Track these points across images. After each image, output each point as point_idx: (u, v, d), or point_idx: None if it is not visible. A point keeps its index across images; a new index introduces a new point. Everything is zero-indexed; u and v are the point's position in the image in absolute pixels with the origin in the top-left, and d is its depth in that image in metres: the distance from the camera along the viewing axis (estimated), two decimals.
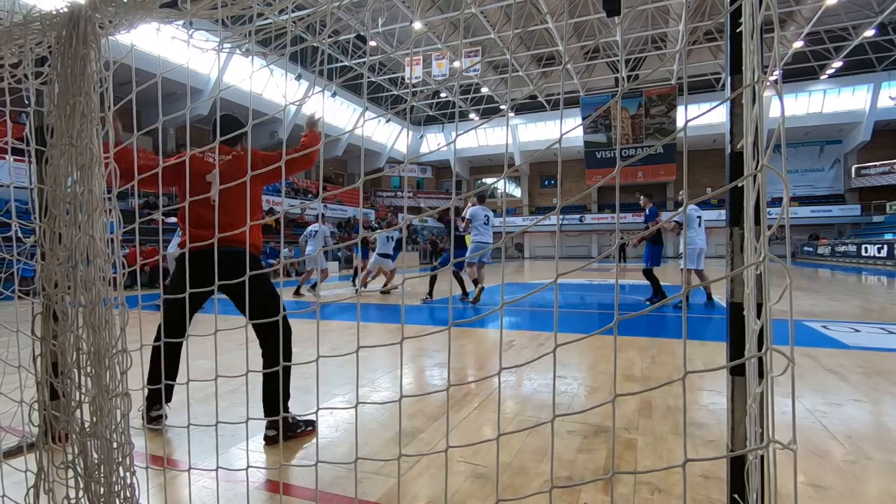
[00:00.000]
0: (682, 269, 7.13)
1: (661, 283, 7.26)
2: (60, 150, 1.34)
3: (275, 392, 2.19)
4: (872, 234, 22.79)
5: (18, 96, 1.62)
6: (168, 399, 2.35)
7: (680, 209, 0.92)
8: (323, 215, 10.13)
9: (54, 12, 1.38)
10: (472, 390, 2.94)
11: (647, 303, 7.25)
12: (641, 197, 7.64)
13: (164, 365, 2.20)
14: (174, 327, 2.21)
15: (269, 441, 2.19)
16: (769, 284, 0.89)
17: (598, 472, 1.88)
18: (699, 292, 7.40)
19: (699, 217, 6.89)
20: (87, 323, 1.30)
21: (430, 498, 1.71)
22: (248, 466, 1.33)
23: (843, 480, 1.81)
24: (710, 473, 1.83)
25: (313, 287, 9.53)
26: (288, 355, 2.19)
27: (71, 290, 1.33)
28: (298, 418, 2.33)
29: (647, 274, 7.33)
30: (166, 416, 2.34)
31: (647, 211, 7.49)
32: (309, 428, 2.32)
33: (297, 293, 9.16)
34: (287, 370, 2.31)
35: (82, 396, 1.32)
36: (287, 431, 2.24)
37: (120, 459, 1.31)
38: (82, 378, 1.32)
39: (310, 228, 9.48)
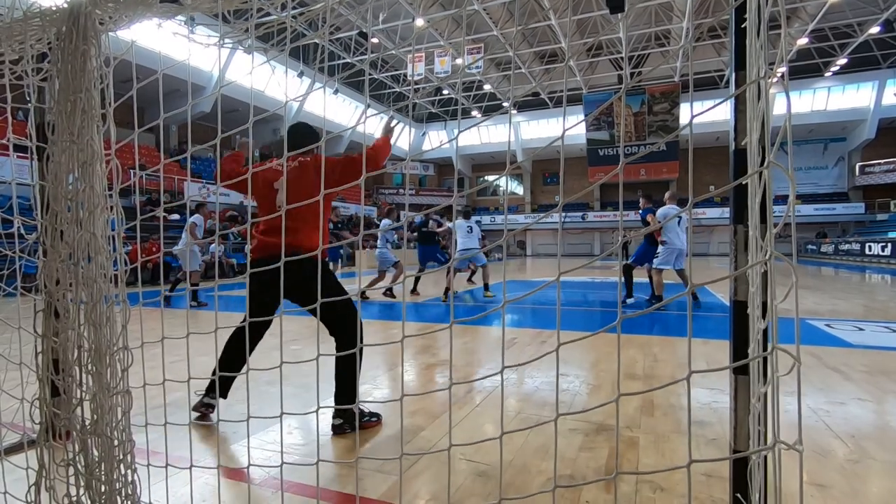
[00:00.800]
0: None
1: (665, 281, 7.24)
2: (61, 146, 1.33)
3: (345, 382, 2.22)
4: (876, 233, 22.70)
5: (20, 93, 1.62)
6: (223, 395, 2.36)
7: (676, 209, 0.91)
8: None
9: (54, 8, 1.38)
10: (474, 388, 2.94)
11: (648, 302, 7.18)
12: (641, 198, 7.62)
13: (232, 360, 2.34)
14: (251, 329, 2.25)
15: (336, 430, 2.23)
16: (774, 283, 0.88)
17: (600, 471, 1.88)
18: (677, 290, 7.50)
19: (679, 218, 6.86)
20: (89, 320, 1.30)
21: (431, 495, 1.70)
22: (250, 464, 1.33)
23: (846, 480, 1.80)
24: (713, 472, 1.82)
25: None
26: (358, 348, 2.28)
27: (72, 287, 1.33)
28: (365, 409, 2.37)
29: (627, 270, 7.34)
30: (213, 409, 2.37)
31: (640, 211, 7.49)
32: (374, 419, 2.35)
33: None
34: (357, 362, 2.29)
35: (83, 394, 1.32)
36: (355, 421, 2.22)
37: (121, 457, 1.31)
38: (83, 375, 1.32)
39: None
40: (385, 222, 8.91)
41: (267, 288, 2.28)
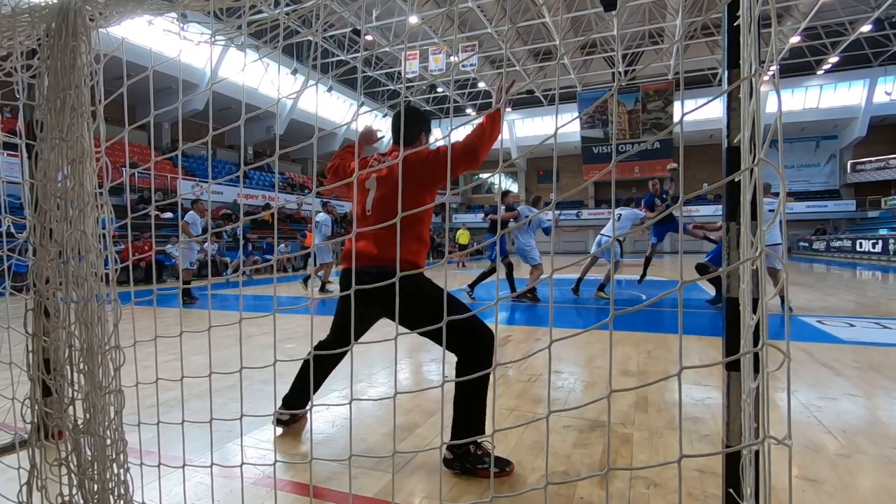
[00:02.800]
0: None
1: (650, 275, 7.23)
2: (50, 144, 1.32)
3: (469, 409, 1.79)
4: (867, 230, 22.91)
5: (9, 90, 1.60)
6: (301, 407, 2.16)
7: (671, 207, 0.91)
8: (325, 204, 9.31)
9: (43, 4, 1.36)
10: None
11: (711, 304, 6.35)
12: (650, 182, 7.30)
13: (315, 376, 2.11)
14: (337, 343, 2.10)
15: (448, 465, 1.82)
16: (765, 280, 0.88)
17: (594, 467, 1.89)
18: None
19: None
20: (80, 319, 1.29)
21: (425, 493, 1.71)
22: (243, 463, 1.32)
23: (837, 474, 1.82)
24: (706, 468, 1.84)
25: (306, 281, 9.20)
26: (486, 366, 1.78)
27: (63, 286, 1.32)
28: (488, 450, 1.84)
29: (703, 271, 6.17)
30: (288, 424, 2.21)
31: (644, 197, 7.24)
32: (507, 468, 1.83)
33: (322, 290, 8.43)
34: (483, 386, 1.83)
35: (75, 393, 1.31)
36: (467, 462, 1.82)
37: (114, 456, 1.30)
38: (75, 375, 1.31)
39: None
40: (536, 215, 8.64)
41: (359, 305, 1.83)
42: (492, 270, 7.37)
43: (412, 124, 2.04)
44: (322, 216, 8.52)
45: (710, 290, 7.19)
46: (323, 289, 8.40)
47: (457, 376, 1.77)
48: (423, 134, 2.09)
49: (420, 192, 1.86)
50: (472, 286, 7.11)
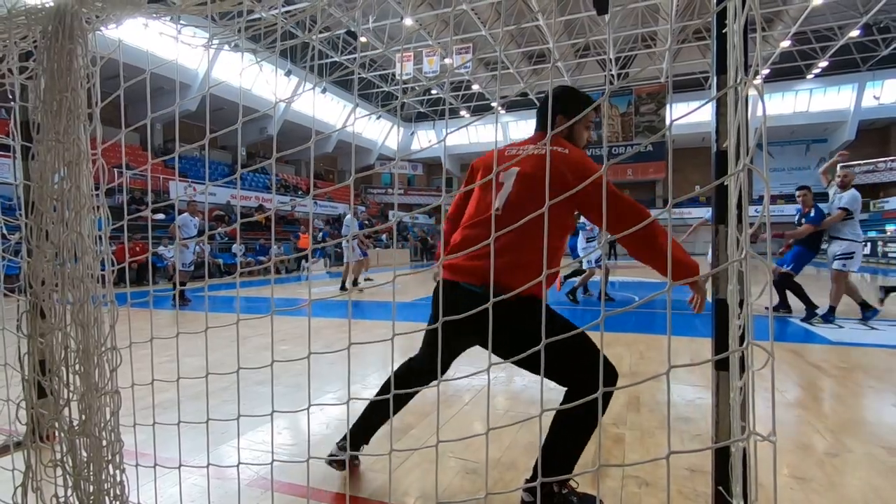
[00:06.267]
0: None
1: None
2: (47, 146, 1.33)
3: (565, 443, 1.50)
4: None
5: (2, 91, 1.60)
6: (359, 445, 1.80)
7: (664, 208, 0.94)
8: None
9: (40, 6, 1.37)
10: (464, 387, 2.96)
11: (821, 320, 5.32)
12: (801, 193, 5.91)
13: (380, 412, 1.75)
14: (421, 373, 1.72)
15: None
16: (751, 281, 0.91)
17: (586, 467, 1.91)
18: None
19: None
20: (76, 320, 1.30)
21: (420, 493, 1.72)
22: (240, 463, 1.33)
23: (824, 473, 1.85)
24: (696, 467, 1.86)
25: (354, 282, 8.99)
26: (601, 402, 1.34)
27: (58, 288, 1.32)
28: (574, 487, 1.62)
29: (788, 281, 5.63)
30: (343, 465, 1.79)
31: (812, 212, 5.68)
32: None
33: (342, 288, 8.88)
34: (591, 427, 1.52)
35: (70, 394, 1.32)
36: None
37: (109, 457, 1.30)
38: (71, 376, 1.32)
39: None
40: None
41: (454, 325, 1.21)
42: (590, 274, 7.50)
43: (576, 103, 1.69)
44: (349, 218, 9.02)
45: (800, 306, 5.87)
46: (355, 283, 8.76)
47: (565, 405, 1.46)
48: (560, 116, 1.65)
49: (568, 208, 1.49)
50: (573, 293, 7.20)
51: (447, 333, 1.16)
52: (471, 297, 1.42)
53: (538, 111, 1.69)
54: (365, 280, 9.47)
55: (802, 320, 5.44)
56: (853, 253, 5.25)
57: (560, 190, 1.15)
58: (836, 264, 5.31)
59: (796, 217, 5.91)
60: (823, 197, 5.89)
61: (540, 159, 1.52)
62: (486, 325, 1.05)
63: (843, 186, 5.45)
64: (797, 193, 5.95)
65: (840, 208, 5.32)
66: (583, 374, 1.45)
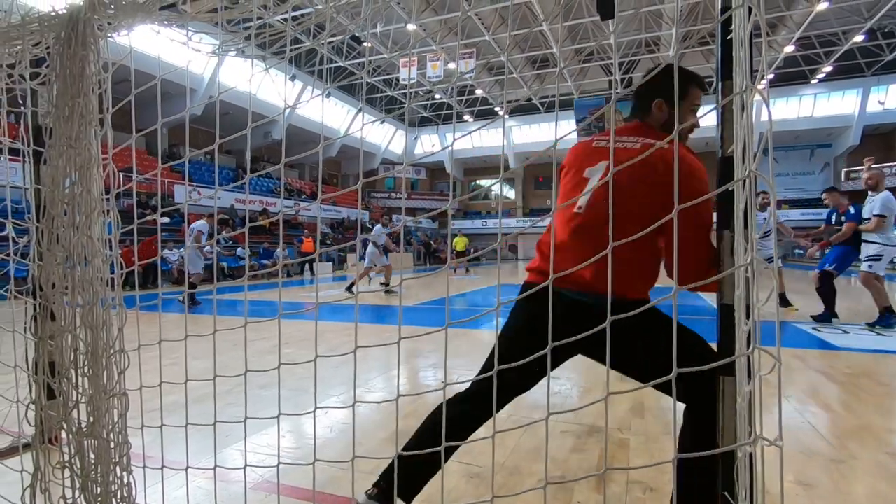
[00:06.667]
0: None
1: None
2: (59, 151, 1.34)
3: (703, 479, 1.18)
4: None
5: (12, 95, 1.62)
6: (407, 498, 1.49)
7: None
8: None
9: (53, 13, 1.39)
10: None
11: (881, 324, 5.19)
12: (829, 194, 5.87)
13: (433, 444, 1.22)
14: (499, 392, 1.34)
15: None
16: (758, 286, 0.91)
17: (591, 472, 1.91)
18: None
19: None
20: (85, 323, 1.31)
21: (425, 497, 1.72)
22: (246, 465, 1.34)
23: (830, 479, 1.84)
24: None
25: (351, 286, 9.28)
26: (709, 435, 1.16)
27: (69, 291, 1.34)
28: None
29: (828, 280, 5.57)
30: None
31: (850, 209, 5.67)
32: None
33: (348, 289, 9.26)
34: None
35: (79, 396, 1.33)
36: None
37: (117, 459, 1.32)
38: (80, 378, 1.33)
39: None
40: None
41: (549, 332, 1.00)
42: None
43: (648, 87, 1.42)
44: (378, 227, 9.31)
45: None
46: (384, 285, 9.33)
47: (688, 437, 1.28)
48: (660, 101, 1.42)
49: (662, 207, 1.10)
50: None
51: (541, 343, 0.97)
52: (577, 306, 1.31)
53: (636, 94, 1.47)
54: (381, 285, 9.82)
55: (813, 317, 5.52)
56: (881, 255, 5.23)
57: (651, 191, 1.15)
58: (864, 266, 5.33)
59: (827, 216, 5.96)
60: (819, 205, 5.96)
61: (640, 152, 1.28)
62: (597, 336, 0.92)
63: (873, 189, 5.46)
64: (824, 196, 6.06)
65: (876, 215, 5.29)
66: (712, 387, 1.14)
